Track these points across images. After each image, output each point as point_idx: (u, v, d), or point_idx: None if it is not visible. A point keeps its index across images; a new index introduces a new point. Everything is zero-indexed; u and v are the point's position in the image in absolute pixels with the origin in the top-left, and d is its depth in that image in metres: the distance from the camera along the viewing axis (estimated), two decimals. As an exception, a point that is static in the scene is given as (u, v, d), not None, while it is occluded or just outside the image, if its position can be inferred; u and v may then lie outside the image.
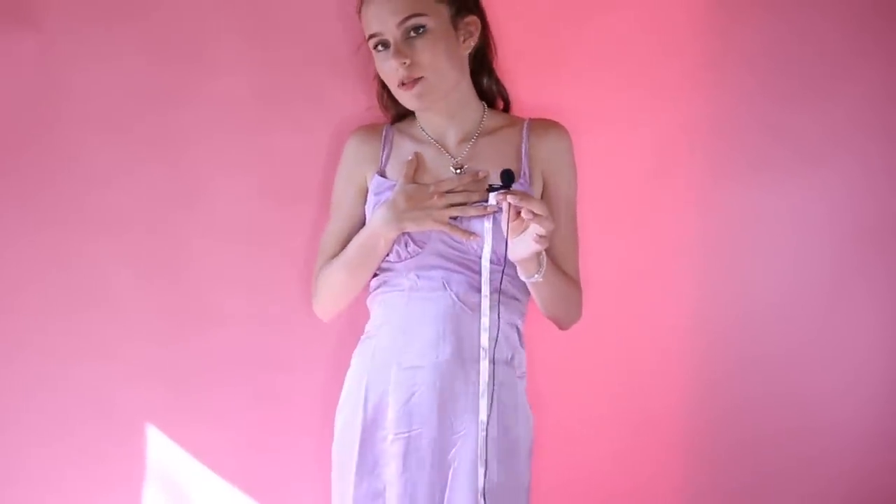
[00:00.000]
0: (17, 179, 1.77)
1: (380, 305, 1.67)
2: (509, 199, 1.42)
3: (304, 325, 1.80)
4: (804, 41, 1.81)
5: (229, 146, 1.79)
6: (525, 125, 1.68)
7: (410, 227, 1.59)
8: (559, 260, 1.65)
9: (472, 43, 1.64)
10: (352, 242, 1.66)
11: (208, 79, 1.78)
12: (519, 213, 1.44)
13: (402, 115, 1.73)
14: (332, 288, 1.70)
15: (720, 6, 1.79)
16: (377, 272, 1.67)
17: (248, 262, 1.80)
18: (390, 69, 1.57)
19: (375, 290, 1.68)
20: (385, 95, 1.70)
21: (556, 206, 1.64)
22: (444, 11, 1.58)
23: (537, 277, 1.55)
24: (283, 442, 1.83)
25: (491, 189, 1.46)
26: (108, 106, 1.77)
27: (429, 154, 1.66)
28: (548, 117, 1.70)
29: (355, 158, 1.71)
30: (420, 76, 1.56)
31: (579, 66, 1.80)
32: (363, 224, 1.67)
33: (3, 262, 1.79)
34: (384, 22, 1.55)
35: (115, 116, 1.77)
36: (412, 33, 1.55)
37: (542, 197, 1.65)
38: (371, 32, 1.58)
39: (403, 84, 1.57)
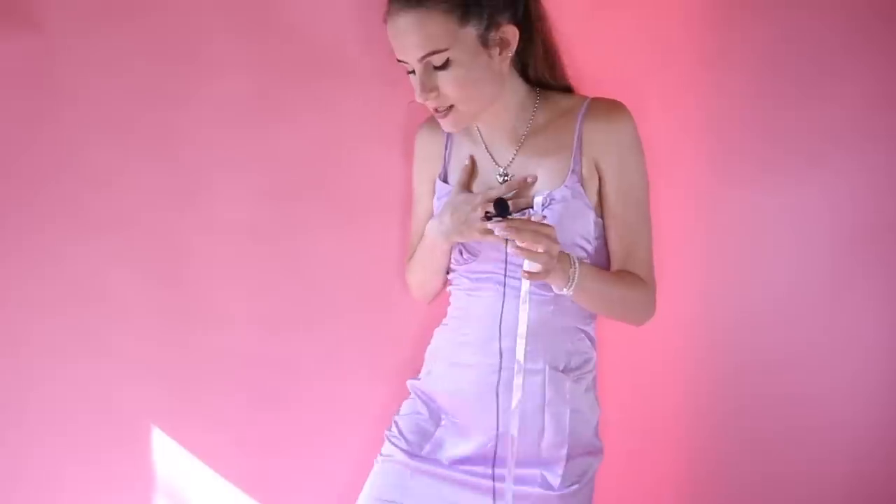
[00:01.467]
0: (17, 179, 1.78)
1: (452, 298, 1.69)
2: (497, 231, 1.38)
3: (304, 324, 1.80)
4: (802, 42, 1.81)
5: (229, 146, 1.79)
6: (583, 109, 1.59)
7: (458, 240, 1.58)
8: (624, 256, 1.60)
9: (510, 53, 1.53)
10: (419, 245, 1.69)
11: (208, 79, 1.78)
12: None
13: None
14: (415, 277, 1.75)
15: (718, 7, 1.79)
16: (451, 267, 1.69)
17: (248, 261, 1.80)
18: (419, 97, 1.51)
19: (451, 282, 1.70)
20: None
21: (616, 198, 1.58)
22: (470, 35, 1.46)
23: (565, 291, 1.49)
24: (283, 441, 1.84)
25: (487, 218, 1.43)
26: (108, 106, 1.77)
27: (481, 157, 1.63)
28: (610, 98, 1.61)
29: (424, 155, 1.71)
30: (450, 105, 1.51)
31: (578, 68, 1.79)
32: None
33: (3, 261, 1.79)
34: (406, 53, 1.47)
35: (115, 116, 1.78)
36: (436, 66, 1.47)
37: (601, 188, 1.58)
38: (397, 57, 1.50)
39: (437, 111, 1.53)
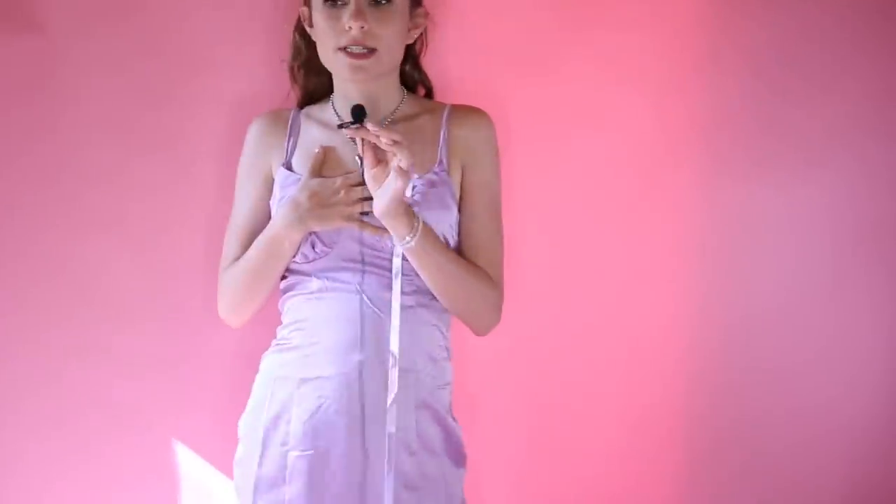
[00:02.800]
0: (17, 179, 1.78)
1: (288, 310, 1.57)
2: (368, 126, 1.33)
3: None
4: (805, 38, 1.81)
5: (229, 146, 1.79)
6: (446, 111, 1.60)
7: (316, 227, 1.49)
8: (474, 252, 1.56)
9: (417, 34, 1.60)
10: (254, 244, 1.55)
11: (208, 78, 1.78)
12: (378, 159, 1.37)
13: (308, 94, 1.65)
14: (237, 292, 1.59)
15: (721, 3, 1.79)
16: (286, 274, 1.57)
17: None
18: (338, 28, 1.47)
19: (284, 292, 1.59)
20: (299, 64, 1.64)
21: (474, 198, 1.57)
22: None
23: (409, 241, 1.43)
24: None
25: (342, 126, 1.37)
26: (108, 106, 1.77)
27: (339, 143, 1.55)
28: (470, 104, 1.63)
29: (258, 147, 1.61)
30: (373, 47, 1.48)
31: (580, 64, 1.80)
32: (268, 219, 1.56)
33: (3, 260, 1.79)
34: None
35: (116, 116, 1.77)
36: (376, 1, 1.48)
37: (461, 187, 1.57)
38: None
39: (346, 50, 1.48)
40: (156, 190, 1.79)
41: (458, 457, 1.57)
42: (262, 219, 1.58)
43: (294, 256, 1.53)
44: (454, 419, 1.59)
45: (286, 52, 1.68)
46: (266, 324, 1.80)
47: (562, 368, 1.87)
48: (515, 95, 1.77)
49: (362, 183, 1.45)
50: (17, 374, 1.80)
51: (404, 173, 1.36)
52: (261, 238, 1.55)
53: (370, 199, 1.45)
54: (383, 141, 1.34)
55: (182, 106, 1.78)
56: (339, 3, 1.48)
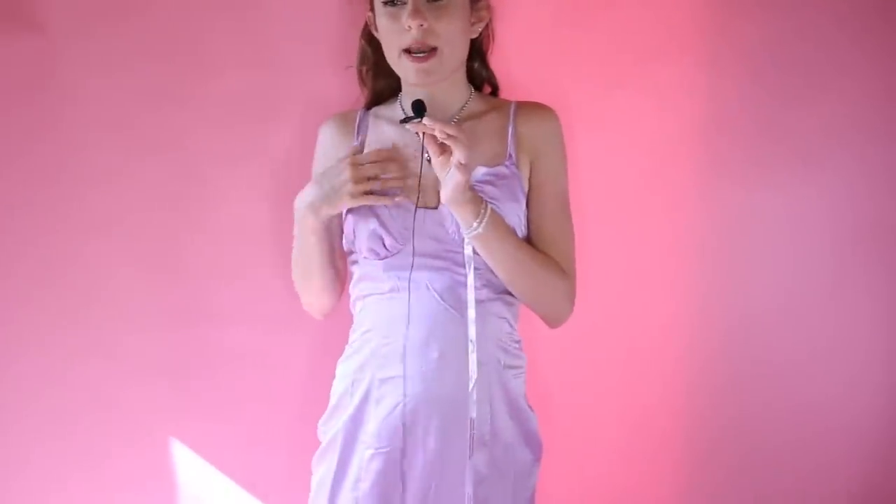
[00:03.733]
0: (17, 179, 1.77)
1: (361, 311, 1.59)
2: (425, 121, 1.36)
3: (306, 322, 1.79)
4: (803, 39, 1.81)
5: (229, 145, 1.79)
6: (512, 108, 1.61)
7: (326, 210, 1.51)
8: (545, 244, 1.57)
9: (480, 29, 1.58)
10: (294, 239, 1.60)
11: (208, 78, 1.78)
12: (443, 148, 1.39)
13: (376, 95, 1.65)
14: (297, 285, 1.66)
15: (720, 4, 1.79)
16: (356, 275, 1.59)
17: (249, 260, 1.80)
18: (399, 29, 1.46)
19: (356, 292, 1.60)
20: (368, 67, 1.63)
21: (543, 191, 1.58)
22: None
23: (477, 227, 1.44)
24: (287, 439, 1.83)
25: (405, 120, 1.40)
26: (109, 106, 1.77)
27: (409, 139, 1.56)
28: (536, 101, 1.63)
29: (328, 150, 1.62)
30: (435, 46, 1.47)
31: (579, 65, 1.80)
32: (341, 221, 1.59)
33: (4, 261, 1.79)
34: None
35: (116, 116, 1.77)
36: None
37: (528, 181, 1.58)
38: None
39: (410, 52, 1.47)
40: (157, 190, 1.79)
41: (534, 447, 1.59)
42: (335, 230, 1.61)
43: (364, 254, 1.54)
44: (530, 407, 1.61)
45: (285, 52, 1.68)
46: (267, 325, 1.80)
47: (561, 368, 1.87)
48: (515, 96, 1.76)
49: (368, 161, 1.50)
50: (20, 376, 1.80)
51: (463, 167, 1.38)
52: (295, 231, 1.59)
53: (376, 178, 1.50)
54: (438, 135, 1.37)
55: (183, 106, 1.78)
56: (399, 2, 1.47)
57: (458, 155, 1.37)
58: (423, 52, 1.47)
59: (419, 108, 1.40)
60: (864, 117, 1.84)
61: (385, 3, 1.49)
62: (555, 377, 1.86)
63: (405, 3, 1.46)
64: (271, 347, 1.81)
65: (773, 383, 1.89)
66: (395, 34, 1.48)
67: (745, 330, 1.89)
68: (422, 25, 1.44)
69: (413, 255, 1.52)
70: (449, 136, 1.36)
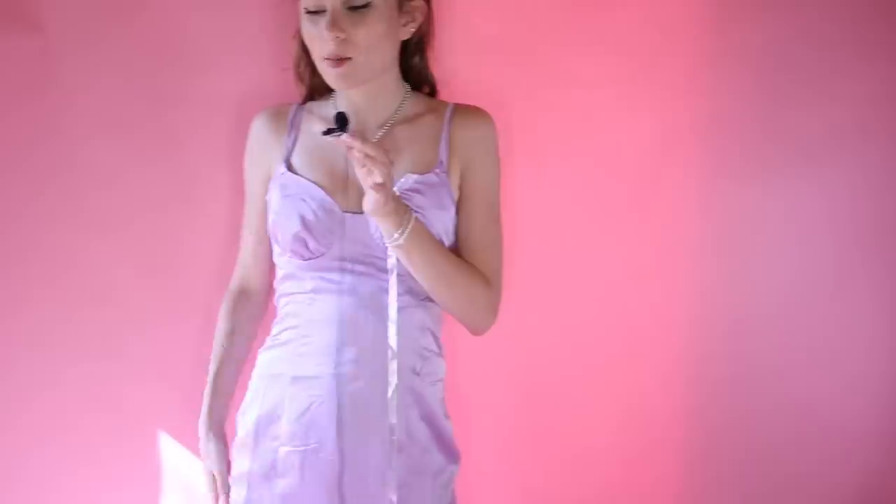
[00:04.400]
0: (17, 179, 1.78)
1: (283, 307, 1.60)
2: (344, 137, 1.34)
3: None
4: (804, 40, 1.81)
5: (229, 146, 1.79)
6: (449, 111, 1.59)
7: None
8: (471, 253, 1.57)
9: (413, 28, 1.55)
10: (211, 370, 1.65)
11: (210, 79, 1.78)
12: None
13: (316, 88, 1.64)
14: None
15: (720, 5, 1.79)
16: (281, 271, 1.59)
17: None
18: (319, 38, 1.47)
19: (280, 288, 1.60)
20: (303, 63, 1.60)
21: (473, 199, 1.57)
22: None
23: (398, 238, 1.43)
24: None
25: (327, 133, 1.38)
26: (108, 106, 1.77)
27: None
28: (473, 104, 1.62)
29: (260, 145, 1.62)
30: (349, 56, 1.46)
31: (579, 65, 1.80)
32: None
33: (5, 261, 1.79)
34: None
35: (115, 116, 1.77)
36: (356, 5, 1.45)
37: (459, 188, 1.57)
38: None
39: (328, 59, 1.47)
40: (157, 191, 1.79)
41: (449, 453, 1.59)
42: (265, 228, 1.62)
43: (289, 255, 1.54)
44: (447, 416, 1.61)
45: (285, 52, 1.67)
46: (265, 325, 1.80)
47: (562, 369, 1.87)
48: (515, 97, 1.77)
49: None
50: (20, 376, 1.80)
51: (379, 187, 1.36)
52: (209, 381, 1.65)
53: None
54: (356, 154, 1.35)
55: (185, 106, 1.78)
56: (319, 11, 1.47)
57: (375, 176, 1.35)
58: (339, 58, 1.47)
59: (342, 121, 1.38)
60: (864, 117, 1.83)
61: (307, 12, 1.49)
62: (554, 377, 1.86)
63: (325, 11, 1.46)
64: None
65: (773, 383, 1.89)
66: (315, 41, 1.48)
67: (746, 329, 1.88)
68: (338, 37, 1.45)
69: (339, 259, 1.52)
70: (367, 156, 1.34)
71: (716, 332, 1.88)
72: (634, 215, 1.85)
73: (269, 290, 1.69)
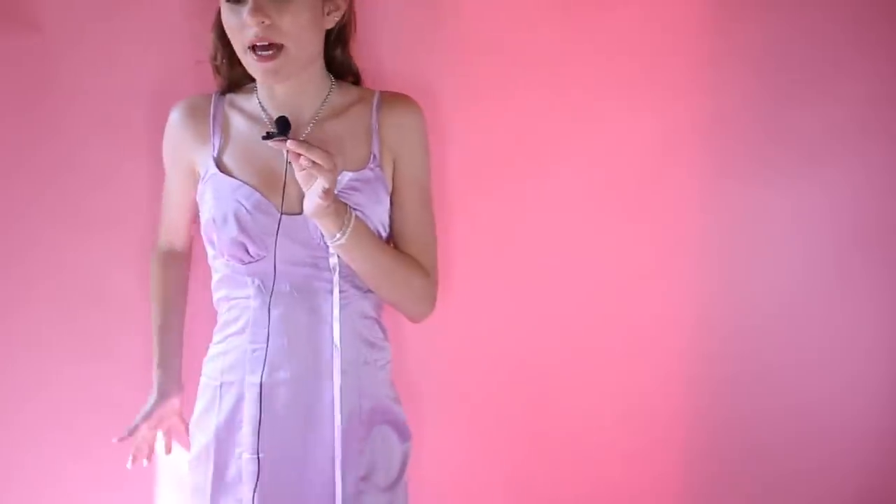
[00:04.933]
0: (17, 179, 1.78)
1: (226, 312, 1.58)
2: (289, 144, 1.31)
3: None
4: (806, 39, 1.80)
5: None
6: (376, 99, 1.57)
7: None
8: (407, 243, 1.57)
9: (336, 18, 1.52)
10: (155, 320, 1.67)
11: (208, 79, 1.77)
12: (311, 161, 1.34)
13: (233, 83, 1.59)
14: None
15: (722, 4, 1.79)
16: (219, 274, 1.58)
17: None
18: (240, 26, 1.41)
19: (219, 293, 1.59)
20: (221, 55, 1.55)
21: (406, 190, 1.57)
22: None
23: (340, 238, 1.43)
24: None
25: (267, 136, 1.35)
26: (107, 106, 1.77)
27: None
28: (398, 91, 1.60)
29: (180, 139, 1.58)
30: (279, 43, 1.41)
31: (581, 64, 1.79)
32: (190, 210, 1.61)
33: (4, 261, 1.79)
34: None
35: (115, 117, 1.77)
36: None
37: (392, 178, 1.56)
38: None
39: (255, 49, 1.42)
40: (155, 190, 1.78)
41: (401, 432, 1.60)
42: (186, 209, 1.63)
43: (227, 258, 1.53)
44: (397, 400, 1.62)
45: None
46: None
47: (563, 368, 1.87)
48: (515, 97, 1.76)
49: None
50: (17, 375, 1.80)
51: (327, 192, 1.35)
52: (155, 338, 1.67)
53: None
54: (302, 162, 1.33)
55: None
56: (236, 1, 1.42)
57: (322, 182, 1.34)
58: (268, 50, 1.42)
59: (283, 126, 1.35)
60: (866, 117, 1.83)
61: (227, 0, 1.44)
62: (554, 377, 1.86)
63: (246, 1, 1.41)
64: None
65: (774, 383, 1.89)
66: (237, 30, 1.43)
67: (747, 329, 1.88)
68: (263, 22, 1.39)
69: (275, 261, 1.50)
70: (314, 163, 1.32)
71: (717, 331, 1.88)
72: (636, 215, 1.84)
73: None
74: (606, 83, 1.81)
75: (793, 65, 1.81)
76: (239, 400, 1.54)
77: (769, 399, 1.89)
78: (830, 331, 1.89)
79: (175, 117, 1.59)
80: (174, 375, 1.66)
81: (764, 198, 1.85)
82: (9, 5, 1.74)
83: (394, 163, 1.56)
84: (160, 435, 1.69)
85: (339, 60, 1.60)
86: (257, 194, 1.49)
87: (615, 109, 1.81)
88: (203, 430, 1.58)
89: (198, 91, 1.74)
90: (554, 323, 1.84)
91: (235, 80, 1.59)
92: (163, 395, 1.64)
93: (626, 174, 1.83)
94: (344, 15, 1.54)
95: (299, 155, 1.32)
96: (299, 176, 1.37)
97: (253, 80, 1.56)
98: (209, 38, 1.56)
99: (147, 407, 1.62)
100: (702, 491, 1.90)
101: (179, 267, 1.72)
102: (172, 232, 1.69)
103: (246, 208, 1.48)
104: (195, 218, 1.64)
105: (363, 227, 1.48)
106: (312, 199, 1.37)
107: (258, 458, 1.50)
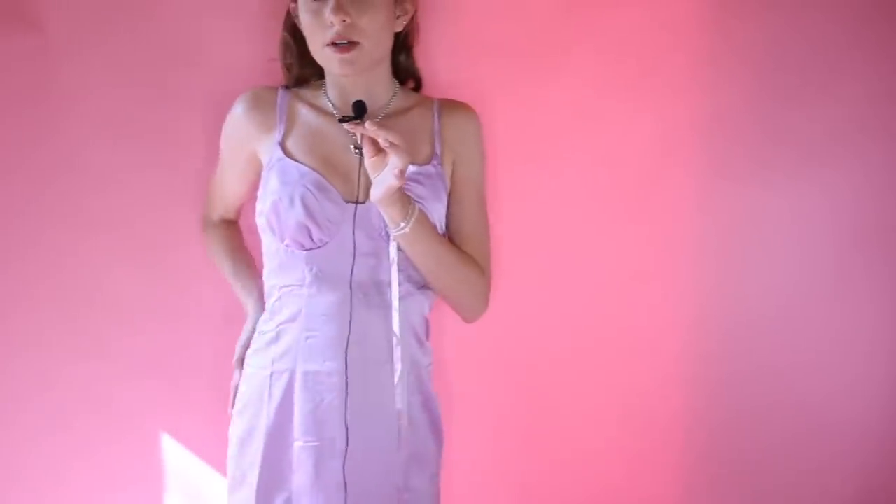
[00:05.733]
0: (17, 179, 1.78)
1: (278, 300, 1.58)
2: (367, 125, 1.35)
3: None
4: (805, 39, 1.81)
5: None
6: (436, 105, 1.63)
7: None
8: (465, 243, 1.60)
9: (405, 22, 1.58)
10: (230, 270, 1.71)
11: (208, 79, 1.78)
12: (378, 149, 1.39)
13: (301, 80, 1.64)
14: (218, 266, 1.74)
15: (721, 3, 1.79)
16: (273, 262, 1.58)
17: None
18: (321, 24, 1.47)
19: (273, 281, 1.59)
20: (290, 53, 1.61)
21: (464, 189, 1.61)
22: None
23: (404, 227, 1.46)
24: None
25: (343, 120, 1.40)
26: (107, 106, 1.77)
27: (331, 130, 1.56)
28: (458, 100, 1.65)
29: (243, 131, 1.60)
30: (357, 41, 1.47)
31: (580, 64, 1.79)
32: (244, 193, 1.67)
33: (3, 261, 1.79)
34: None
35: (115, 117, 1.77)
36: None
37: (451, 180, 1.60)
38: None
39: (334, 45, 1.47)
40: (155, 190, 1.79)
41: (438, 439, 1.63)
42: (240, 192, 1.68)
43: (287, 244, 1.53)
44: (437, 398, 1.64)
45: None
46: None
47: (561, 369, 1.87)
48: (515, 96, 1.76)
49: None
50: (18, 375, 1.80)
51: (400, 173, 1.38)
52: (234, 278, 1.70)
53: None
54: (382, 142, 1.37)
55: (183, 107, 1.78)
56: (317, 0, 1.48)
57: (396, 162, 1.37)
58: (346, 43, 1.47)
59: (360, 109, 1.40)
60: (865, 117, 1.83)
61: None
62: (554, 376, 1.86)
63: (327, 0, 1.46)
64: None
65: (773, 383, 1.89)
66: (317, 29, 1.48)
67: (746, 330, 1.89)
68: (344, 21, 1.45)
69: (354, 247, 1.52)
70: (391, 143, 1.36)
71: (715, 332, 1.88)
72: (634, 215, 1.85)
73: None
74: (605, 83, 1.81)
75: (792, 65, 1.82)
76: (290, 389, 1.54)
77: (768, 400, 1.89)
78: (830, 331, 1.89)
79: (239, 109, 1.60)
80: (260, 293, 1.67)
81: (763, 198, 1.85)
82: (9, 5, 1.74)
83: (453, 164, 1.61)
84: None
85: (403, 65, 1.65)
86: (324, 180, 1.52)
87: (614, 109, 1.82)
88: (248, 420, 1.58)
89: (199, 91, 1.76)
90: (552, 323, 1.84)
91: (304, 77, 1.63)
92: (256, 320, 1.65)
93: (624, 174, 1.84)
94: (411, 20, 1.60)
95: (371, 140, 1.37)
96: (369, 163, 1.41)
97: (321, 78, 1.61)
98: (280, 37, 1.61)
99: (244, 336, 1.65)
100: (702, 491, 1.90)
101: (235, 227, 1.77)
102: (222, 209, 1.74)
103: (313, 193, 1.50)
104: (246, 202, 1.70)
105: (425, 218, 1.51)
106: (384, 184, 1.40)
107: (315, 445, 1.52)
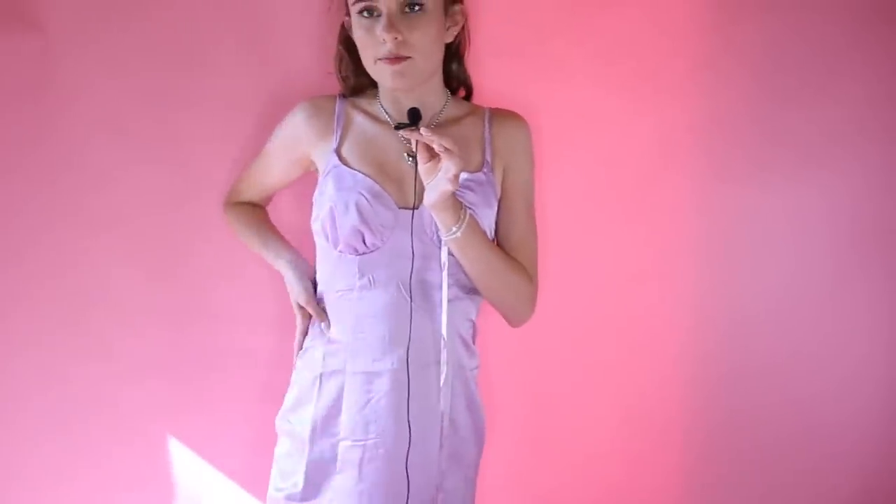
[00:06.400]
0: (17, 179, 1.77)
1: (330, 304, 1.61)
2: (422, 131, 1.38)
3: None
4: (804, 41, 1.81)
5: (229, 146, 1.79)
6: (487, 114, 1.65)
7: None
8: (513, 248, 1.62)
9: (456, 32, 1.60)
10: (257, 238, 1.73)
11: (208, 79, 1.78)
12: (431, 155, 1.42)
13: (357, 89, 1.66)
14: (240, 237, 1.76)
15: (720, 6, 1.79)
16: (324, 263, 1.61)
17: (248, 260, 1.80)
18: (374, 41, 1.49)
19: (323, 285, 1.62)
20: (345, 66, 1.64)
21: (514, 197, 1.62)
22: None
23: (456, 232, 1.49)
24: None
25: (399, 127, 1.43)
26: (108, 106, 1.77)
27: (385, 137, 1.59)
28: (510, 108, 1.67)
29: (303, 137, 1.63)
30: (408, 56, 1.49)
31: (580, 65, 1.80)
32: (281, 186, 1.72)
33: (4, 261, 1.79)
34: None
35: (115, 116, 1.77)
36: (408, 9, 1.49)
37: (500, 188, 1.62)
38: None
39: (387, 59, 1.50)
40: (155, 190, 1.79)
41: (480, 441, 1.65)
42: (279, 185, 1.73)
43: (339, 248, 1.55)
44: (480, 402, 1.65)
45: (285, 53, 1.68)
46: (266, 325, 1.80)
47: (560, 370, 1.87)
48: (515, 98, 1.76)
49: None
50: (18, 375, 1.80)
51: (454, 178, 1.40)
52: (263, 246, 1.72)
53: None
54: (436, 147, 1.39)
55: (183, 107, 1.78)
56: (375, 14, 1.50)
57: (451, 167, 1.39)
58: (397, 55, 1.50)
59: (414, 117, 1.43)
60: (864, 119, 1.84)
61: (361, 14, 1.51)
62: (553, 376, 1.86)
63: (380, 15, 1.49)
64: (269, 347, 1.81)
65: (772, 384, 1.89)
66: (370, 44, 1.51)
67: (744, 331, 1.89)
68: (396, 38, 1.47)
69: (413, 251, 1.54)
70: (446, 149, 1.38)
71: (714, 333, 1.89)
72: (633, 216, 1.85)
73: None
74: (604, 85, 1.81)
75: (790, 67, 1.82)
76: (340, 389, 1.57)
77: (766, 400, 1.90)
78: (828, 332, 1.90)
79: (300, 116, 1.63)
80: (294, 252, 1.71)
81: (761, 200, 1.86)
82: (9, 5, 1.74)
83: (503, 172, 1.62)
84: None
85: (454, 74, 1.67)
86: (378, 186, 1.54)
87: (612, 111, 1.82)
88: (297, 423, 1.60)
89: (198, 90, 1.75)
90: (551, 323, 1.84)
91: (359, 88, 1.65)
92: (301, 271, 1.67)
93: (623, 176, 1.84)
94: (461, 30, 1.62)
95: (426, 146, 1.40)
96: (423, 168, 1.43)
97: (375, 87, 1.63)
98: (336, 51, 1.64)
99: (295, 288, 1.66)
100: (702, 491, 1.91)
101: (262, 207, 1.79)
102: (254, 195, 1.76)
103: (367, 199, 1.53)
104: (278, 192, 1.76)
105: (476, 224, 1.53)
106: (438, 189, 1.42)
107: (362, 444, 1.54)
